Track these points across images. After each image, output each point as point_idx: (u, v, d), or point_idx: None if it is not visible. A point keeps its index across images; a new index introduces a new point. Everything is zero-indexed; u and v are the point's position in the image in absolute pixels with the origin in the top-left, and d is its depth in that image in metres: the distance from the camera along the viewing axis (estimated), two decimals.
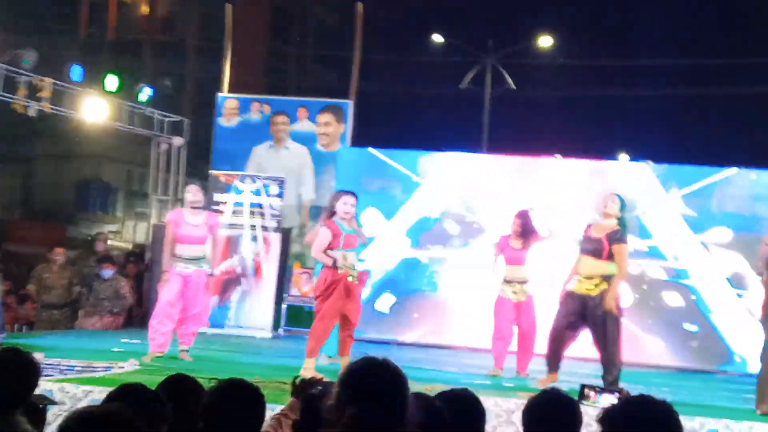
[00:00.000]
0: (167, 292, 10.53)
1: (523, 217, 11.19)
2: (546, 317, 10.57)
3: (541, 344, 10.68)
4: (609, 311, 9.72)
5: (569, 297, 10.00)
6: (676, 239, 13.96)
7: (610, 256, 9.86)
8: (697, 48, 31.57)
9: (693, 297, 13.79)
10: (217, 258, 11.40)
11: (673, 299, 13.90)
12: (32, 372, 4.37)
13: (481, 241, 14.27)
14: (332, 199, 10.06)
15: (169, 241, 10.64)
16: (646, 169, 14.50)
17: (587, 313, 9.86)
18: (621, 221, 10.06)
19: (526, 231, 11.10)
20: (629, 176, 14.42)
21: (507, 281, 11.11)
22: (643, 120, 35.39)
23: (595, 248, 9.90)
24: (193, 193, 10.76)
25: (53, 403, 5.68)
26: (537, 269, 11.41)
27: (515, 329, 11.11)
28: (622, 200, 10.14)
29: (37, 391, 4.54)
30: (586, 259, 9.97)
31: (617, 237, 9.92)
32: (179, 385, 4.32)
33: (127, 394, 4.00)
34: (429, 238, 14.64)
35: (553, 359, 10.10)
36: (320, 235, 9.81)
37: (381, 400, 3.28)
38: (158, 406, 3.94)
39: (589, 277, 9.88)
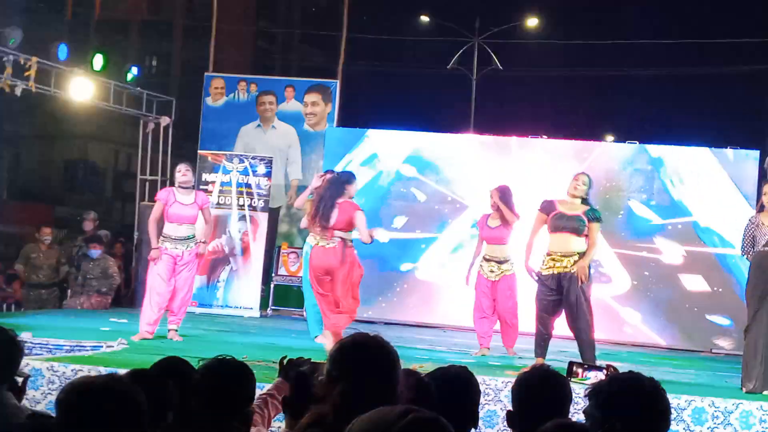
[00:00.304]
0: (156, 275, 10.54)
1: (502, 192, 11.08)
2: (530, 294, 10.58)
3: (526, 322, 10.68)
4: (581, 290, 9.62)
5: (545, 279, 9.76)
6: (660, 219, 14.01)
7: (586, 234, 9.76)
8: (685, 27, 31.61)
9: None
10: (209, 236, 11.37)
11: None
12: (16, 349, 4.43)
13: (465, 220, 14.30)
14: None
15: (155, 219, 10.62)
16: (632, 149, 14.53)
17: (563, 292, 9.70)
18: (587, 201, 9.96)
19: (504, 205, 10.97)
20: (615, 156, 14.46)
21: (485, 259, 11.05)
22: (631, 100, 35.45)
23: (573, 226, 9.74)
24: (182, 172, 10.70)
25: (29, 376, 5.68)
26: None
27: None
28: (589, 178, 10.04)
29: (24, 371, 4.60)
30: (563, 236, 9.73)
31: (595, 216, 9.87)
32: (172, 369, 4.34)
33: (136, 379, 4.03)
34: (417, 219, 14.66)
35: (539, 344, 9.96)
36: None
37: (371, 376, 3.29)
38: (167, 393, 3.98)
39: (567, 255, 9.71)
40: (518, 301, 11.07)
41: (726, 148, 14.29)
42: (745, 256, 9.29)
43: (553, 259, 9.72)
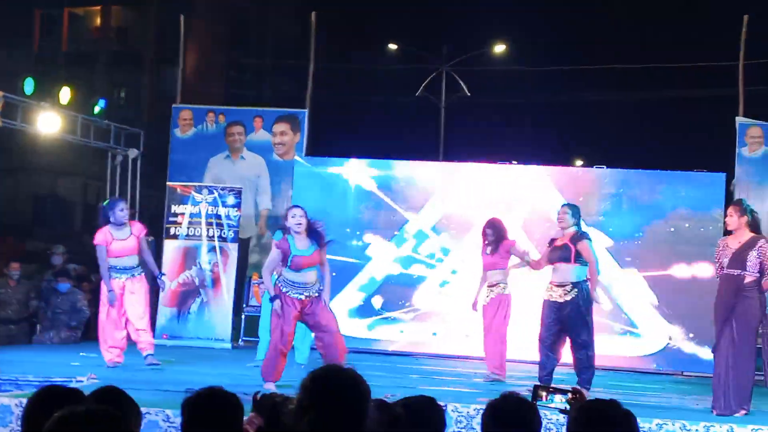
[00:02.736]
0: (103, 306, 11.15)
1: (492, 226, 11.48)
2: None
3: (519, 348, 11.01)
4: (580, 312, 9.93)
5: (545, 307, 10.25)
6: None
7: (578, 258, 10.06)
8: (651, 52, 31.89)
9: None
10: (153, 261, 11.58)
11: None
12: None
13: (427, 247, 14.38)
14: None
15: (104, 260, 11.06)
16: (599, 173, 14.61)
17: (564, 318, 10.04)
18: (578, 227, 10.37)
19: (497, 239, 11.37)
20: (584, 181, 14.53)
21: (488, 286, 11.42)
22: (599, 125, 35.67)
23: (562, 254, 10.21)
24: (120, 208, 11.18)
25: None
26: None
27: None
28: (573, 209, 10.41)
29: None
30: (557, 266, 10.26)
31: (578, 236, 10.20)
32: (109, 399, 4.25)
33: (104, 396, 4.01)
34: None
35: (540, 370, 10.20)
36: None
37: (340, 406, 3.31)
38: (134, 409, 3.96)
39: (561, 285, 10.15)
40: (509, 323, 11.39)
41: (693, 171, 14.39)
42: (717, 278, 9.45)
43: (552, 289, 10.23)
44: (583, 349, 10.06)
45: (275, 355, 9.59)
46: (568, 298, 10.05)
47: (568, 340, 10.21)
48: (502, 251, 11.36)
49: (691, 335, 13.61)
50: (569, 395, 4.76)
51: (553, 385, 4.97)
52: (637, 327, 13.89)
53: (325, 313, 9.65)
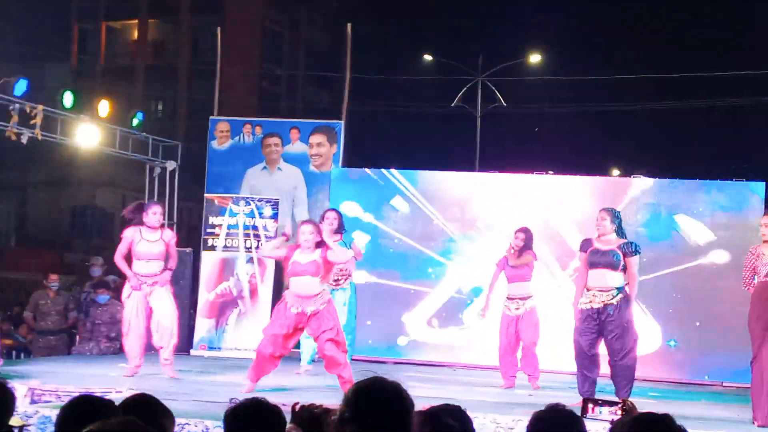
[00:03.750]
0: (128, 310, 11.14)
1: (525, 233, 11.51)
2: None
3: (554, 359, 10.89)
4: (623, 320, 9.72)
5: (584, 315, 9.89)
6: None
7: (624, 268, 9.85)
8: (688, 60, 31.70)
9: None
10: (174, 266, 11.58)
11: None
12: (8, 396, 4.43)
13: (480, 255, 14.33)
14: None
15: (120, 254, 11.11)
16: (637, 183, 14.54)
17: (604, 324, 9.77)
18: (621, 233, 10.04)
19: (526, 245, 11.44)
20: (621, 191, 14.46)
21: (509, 298, 11.46)
22: (636, 135, 35.51)
23: (608, 261, 9.85)
24: (153, 211, 11.20)
25: (26, 424, 5.68)
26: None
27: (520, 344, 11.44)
28: (612, 213, 10.11)
29: (34, 419, 4.59)
30: (599, 271, 9.86)
31: (631, 249, 9.91)
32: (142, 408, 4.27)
33: (137, 405, 4.03)
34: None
35: (582, 383, 9.97)
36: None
37: (383, 419, 3.28)
38: (168, 416, 3.98)
39: (605, 290, 9.81)
40: (542, 336, 11.50)
41: (732, 180, 14.31)
42: (746, 288, 9.32)
43: (594, 295, 9.86)
44: (626, 357, 9.84)
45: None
46: (614, 302, 9.76)
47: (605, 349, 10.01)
48: (525, 260, 11.39)
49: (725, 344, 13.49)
50: (619, 408, 4.69)
51: (602, 398, 4.91)
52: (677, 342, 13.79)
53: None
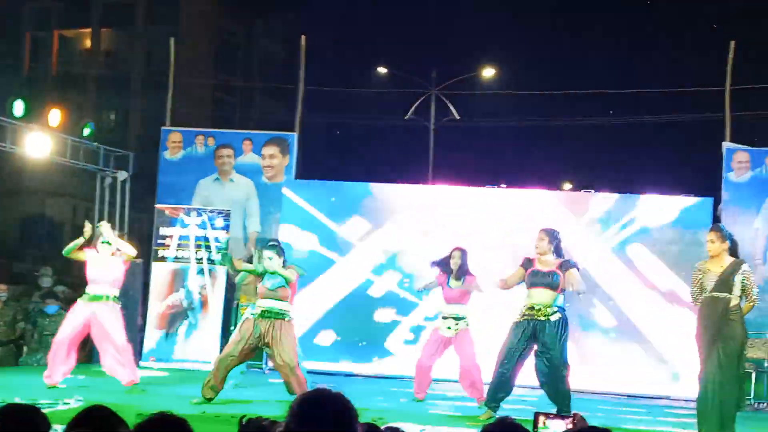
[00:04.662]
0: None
1: (462, 253, 11.40)
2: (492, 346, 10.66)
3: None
4: (559, 340, 9.79)
5: (518, 326, 10.01)
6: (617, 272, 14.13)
7: (562, 288, 9.98)
8: (639, 76, 32.04)
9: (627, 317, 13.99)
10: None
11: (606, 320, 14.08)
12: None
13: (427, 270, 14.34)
14: None
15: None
16: (587, 197, 14.68)
17: (540, 338, 9.86)
18: (559, 253, 10.17)
19: (463, 270, 11.31)
20: (572, 205, 14.59)
21: (443, 318, 11.33)
22: (588, 149, 35.79)
23: (548, 281, 10.01)
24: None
25: None
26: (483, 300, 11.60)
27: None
28: (551, 233, 10.25)
29: None
30: (539, 290, 10.03)
31: (570, 264, 10.07)
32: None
33: (91, 416, 4.00)
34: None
35: (494, 394, 10.06)
36: None
37: (327, 430, 3.31)
38: (122, 427, 3.95)
39: (546, 306, 9.95)
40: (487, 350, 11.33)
41: (680, 195, 14.48)
42: (694, 303, 9.47)
43: (531, 308, 9.95)
44: (562, 370, 9.93)
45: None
46: (551, 319, 9.88)
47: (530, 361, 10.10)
48: (465, 285, 11.27)
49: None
50: (570, 421, 4.73)
51: (553, 412, 4.94)
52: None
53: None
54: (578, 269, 10.28)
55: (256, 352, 10.80)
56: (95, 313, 11.07)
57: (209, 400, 10.18)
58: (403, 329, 14.61)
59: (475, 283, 11.28)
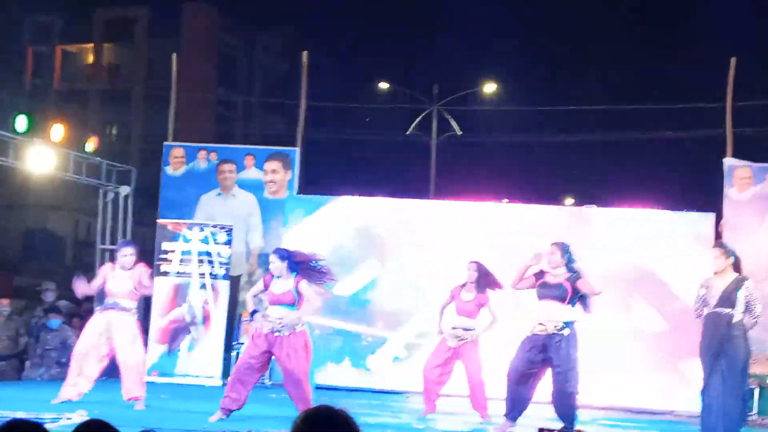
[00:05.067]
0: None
1: (480, 269, 11.38)
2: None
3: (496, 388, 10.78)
4: (569, 353, 9.76)
5: (528, 340, 9.98)
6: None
7: (572, 300, 9.94)
8: (642, 91, 32.10)
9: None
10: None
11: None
12: None
13: (434, 285, 14.35)
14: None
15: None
16: (589, 213, 14.71)
17: (549, 353, 9.84)
18: (570, 267, 10.13)
19: (483, 284, 11.28)
20: (574, 220, 14.61)
21: (452, 327, 11.28)
22: (590, 164, 35.81)
23: (556, 294, 9.95)
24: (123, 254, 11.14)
25: None
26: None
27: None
28: (563, 247, 10.22)
29: None
30: (547, 303, 9.97)
31: (576, 276, 10.01)
32: None
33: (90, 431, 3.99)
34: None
35: (512, 406, 10.04)
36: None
37: None
38: None
39: (552, 321, 9.91)
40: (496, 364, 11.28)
41: (683, 210, 14.50)
42: (698, 319, 9.48)
43: (541, 324, 9.87)
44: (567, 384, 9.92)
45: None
46: (562, 333, 9.83)
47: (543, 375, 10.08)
48: (480, 300, 11.27)
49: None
50: None
51: (558, 429, 4.96)
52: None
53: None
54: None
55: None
56: (111, 323, 11.03)
57: None
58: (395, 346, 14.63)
59: (487, 303, 11.30)
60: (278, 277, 9.94)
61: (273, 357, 9.97)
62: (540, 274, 10.24)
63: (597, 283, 10.10)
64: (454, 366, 11.33)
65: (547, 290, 10.02)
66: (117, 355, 11.06)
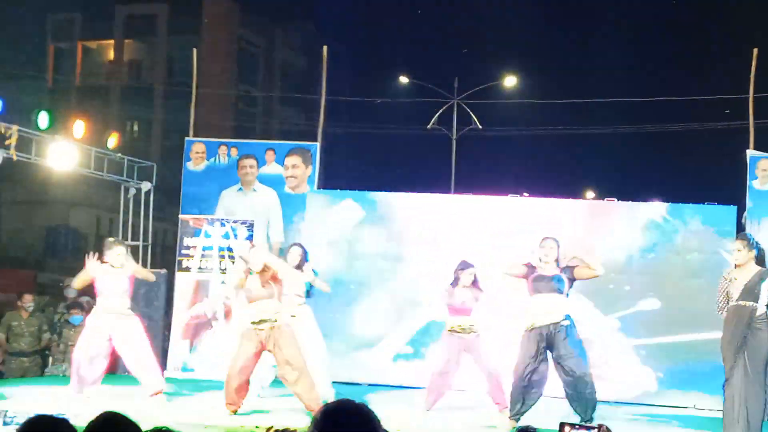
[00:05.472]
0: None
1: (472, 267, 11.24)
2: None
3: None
4: (575, 342, 9.76)
5: (529, 337, 9.96)
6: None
7: (568, 292, 9.95)
8: (664, 84, 31.98)
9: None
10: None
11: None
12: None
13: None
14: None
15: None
16: (610, 206, 14.65)
17: (552, 346, 9.83)
18: (559, 262, 10.14)
19: (475, 280, 11.17)
20: (595, 213, 14.56)
21: (449, 330, 11.10)
22: (611, 157, 35.72)
23: (553, 286, 9.96)
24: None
25: None
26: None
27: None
28: (557, 242, 10.23)
29: None
30: (544, 296, 9.97)
31: (572, 265, 10.03)
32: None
33: (105, 422, 4.00)
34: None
35: (518, 406, 10.04)
36: None
37: None
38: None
39: (550, 312, 9.90)
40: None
41: (704, 204, 14.42)
42: (720, 312, 9.44)
43: (539, 317, 9.87)
44: (585, 377, 9.92)
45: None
46: (563, 324, 9.82)
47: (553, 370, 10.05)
48: (474, 294, 11.09)
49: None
50: (596, 431, 4.73)
51: (579, 423, 4.94)
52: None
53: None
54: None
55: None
56: (113, 326, 11.10)
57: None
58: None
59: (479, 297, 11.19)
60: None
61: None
62: (531, 268, 10.19)
63: (594, 263, 10.09)
64: (461, 361, 11.19)
65: (543, 283, 9.99)
66: (127, 361, 11.15)
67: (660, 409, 13.21)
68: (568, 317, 9.90)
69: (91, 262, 11.21)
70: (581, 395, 9.86)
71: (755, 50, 15.20)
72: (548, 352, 9.93)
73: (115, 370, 13.60)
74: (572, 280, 10.07)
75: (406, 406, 11.51)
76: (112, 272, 11.13)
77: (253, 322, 10.14)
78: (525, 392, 9.94)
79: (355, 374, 14.27)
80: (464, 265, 11.20)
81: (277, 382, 11.13)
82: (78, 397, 10.90)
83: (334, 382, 11.61)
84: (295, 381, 10.01)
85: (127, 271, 11.26)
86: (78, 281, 11.60)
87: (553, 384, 10.27)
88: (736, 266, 9.40)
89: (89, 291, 16.13)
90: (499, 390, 10.89)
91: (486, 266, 11.72)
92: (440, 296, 11.39)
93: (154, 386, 11.10)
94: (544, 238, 10.28)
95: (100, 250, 11.44)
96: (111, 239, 12.00)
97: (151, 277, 12.46)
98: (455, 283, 11.16)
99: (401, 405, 11.54)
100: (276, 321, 10.07)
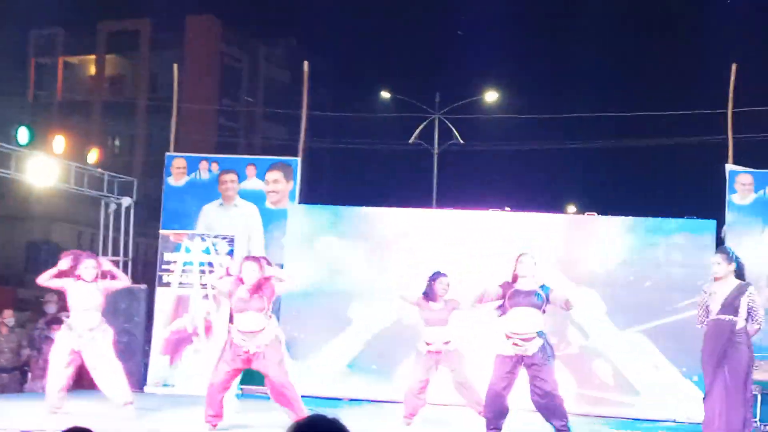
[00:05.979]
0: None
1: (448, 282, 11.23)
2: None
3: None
4: (548, 366, 9.73)
5: (502, 360, 9.89)
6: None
7: (544, 309, 9.93)
8: (641, 100, 32.11)
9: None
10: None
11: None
12: None
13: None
14: None
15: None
16: (591, 220, 14.69)
17: (525, 364, 9.78)
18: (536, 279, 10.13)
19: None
20: (576, 228, 14.59)
21: (426, 343, 11.05)
22: (591, 172, 35.85)
23: (534, 301, 9.88)
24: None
25: None
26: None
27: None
28: (533, 258, 10.19)
29: None
30: (521, 310, 9.87)
31: (547, 287, 10.00)
32: None
33: None
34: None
35: (494, 418, 10.00)
36: None
37: None
38: None
39: (527, 337, 9.77)
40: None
41: (684, 218, 14.48)
42: (700, 326, 9.47)
43: (514, 343, 9.77)
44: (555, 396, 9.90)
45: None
46: (534, 350, 9.73)
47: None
48: (449, 308, 11.07)
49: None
50: None
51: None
52: (639, 393, 13.82)
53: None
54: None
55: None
56: (82, 342, 10.99)
57: None
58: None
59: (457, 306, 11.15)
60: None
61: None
62: (507, 284, 10.13)
63: (570, 296, 10.10)
64: (432, 376, 11.09)
65: (521, 297, 9.89)
66: (95, 375, 11.04)
67: (641, 423, 13.23)
68: (541, 333, 9.84)
69: (65, 263, 11.18)
70: (554, 413, 9.82)
71: (734, 65, 15.28)
72: (521, 367, 9.87)
73: (83, 385, 13.56)
74: (548, 300, 10.00)
75: (382, 421, 11.49)
76: (84, 287, 11.05)
77: (240, 331, 10.11)
78: (500, 408, 9.89)
79: (333, 389, 14.23)
80: (437, 275, 11.16)
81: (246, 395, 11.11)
82: (53, 412, 10.82)
83: (313, 398, 11.57)
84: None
85: (99, 285, 11.18)
86: (44, 276, 11.42)
87: (527, 397, 10.25)
88: (715, 280, 9.45)
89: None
90: (478, 399, 10.86)
91: (464, 275, 11.69)
92: (416, 309, 11.31)
93: (123, 397, 10.97)
94: (521, 254, 10.22)
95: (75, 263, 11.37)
96: (83, 251, 11.95)
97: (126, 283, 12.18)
98: (430, 294, 11.11)
99: (377, 420, 11.52)
100: (263, 341, 10.02)
